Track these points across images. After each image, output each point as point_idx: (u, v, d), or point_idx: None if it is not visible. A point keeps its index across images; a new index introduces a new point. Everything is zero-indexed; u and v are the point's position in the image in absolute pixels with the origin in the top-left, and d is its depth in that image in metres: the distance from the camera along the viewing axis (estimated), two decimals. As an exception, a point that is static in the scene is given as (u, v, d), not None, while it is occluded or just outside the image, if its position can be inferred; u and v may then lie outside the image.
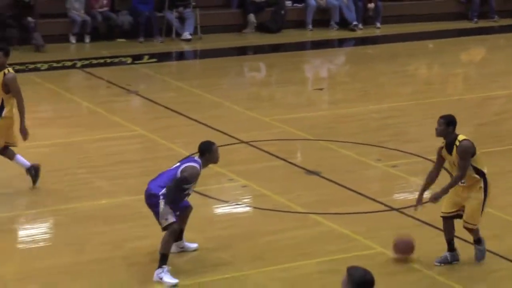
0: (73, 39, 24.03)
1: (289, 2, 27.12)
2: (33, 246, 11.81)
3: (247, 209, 13.89)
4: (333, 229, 12.64)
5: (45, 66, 21.96)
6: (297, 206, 13.44)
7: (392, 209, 12.92)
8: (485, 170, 10.12)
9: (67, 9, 24.28)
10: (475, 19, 27.17)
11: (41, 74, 21.23)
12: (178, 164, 11.21)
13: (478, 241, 10.48)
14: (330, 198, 14.11)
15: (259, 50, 25.62)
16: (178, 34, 24.91)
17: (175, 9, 24.74)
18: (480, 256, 10.57)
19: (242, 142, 16.54)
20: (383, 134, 16.97)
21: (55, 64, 22.28)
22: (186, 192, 11.09)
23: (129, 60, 22.99)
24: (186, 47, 25.39)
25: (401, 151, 13.62)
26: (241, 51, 25.00)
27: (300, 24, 26.97)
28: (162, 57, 24.12)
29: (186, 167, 10.91)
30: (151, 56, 23.72)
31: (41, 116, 18.38)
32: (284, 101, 20.64)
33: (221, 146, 15.42)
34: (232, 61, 24.55)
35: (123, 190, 13.37)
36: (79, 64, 22.37)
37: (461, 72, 24.10)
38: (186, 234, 11.54)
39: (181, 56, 25.43)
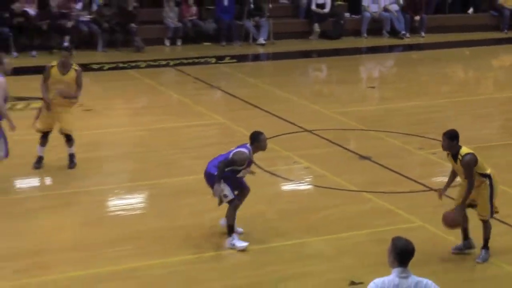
0: (167, 42, 23.96)
1: (347, 13, 26.21)
2: (130, 213, 11.56)
3: (309, 187, 13.79)
4: (380, 206, 12.42)
5: (144, 64, 21.93)
6: (351, 185, 13.29)
7: (431, 189, 12.52)
8: (488, 172, 9.61)
9: (163, 17, 24.20)
10: (506, 30, 26.79)
11: (140, 71, 21.26)
12: (234, 148, 10.97)
13: (485, 244, 9.72)
14: (379, 180, 13.94)
15: (321, 54, 25.10)
16: (254, 39, 24.66)
17: (252, 18, 24.33)
18: (481, 259, 9.59)
19: (306, 130, 16.30)
20: (424, 126, 16.63)
21: (152, 63, 22.25)
22: (240, 174, 10.79)
23: (213, 60, 22.88)
24: (260, 50, 25.27)
25: (440, 140, 12.39)
26: (307, 54, 24.46)
27: (356, 33, 26.60)
28: (241, 58, 23.96)
29: (237, 151, 10.70)
30: (232, 57, 23.49)
31: (139, 106, 18.45)
32: (341, 97, 20.44)
33: (288, 133, 15.91)
34: (299, 63, 24.32)
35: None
36: (171, 63, 22.31)
37: (492, 75, 24.00)
38: (256, 207, 11.37)
39: (256, 58, 25.16)
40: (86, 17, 22.70)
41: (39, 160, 13.30)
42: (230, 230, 10.80)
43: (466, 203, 9.94)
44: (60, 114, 12.81)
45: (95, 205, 12.09)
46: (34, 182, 13.16)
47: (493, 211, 10.15)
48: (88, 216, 11.67)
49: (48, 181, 13.21)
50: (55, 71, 12.82)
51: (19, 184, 13.11)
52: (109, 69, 21.24)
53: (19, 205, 11.81)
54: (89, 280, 9.70)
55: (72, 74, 12.78)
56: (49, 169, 13.30)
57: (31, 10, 21.56)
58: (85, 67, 20.11)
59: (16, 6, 21.28)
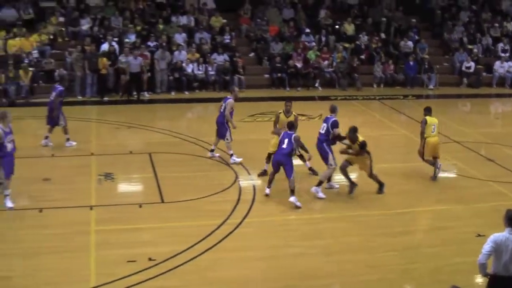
0: (375, 85, 28.63)
1: (484, 73, 30.10)
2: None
3: (455, 176, 16.82)
4: (499, 190, 15.56)
5: (361, 98, 26.26)
6: (481, 175, 16.32)
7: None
8: None
9: (373, 70, 29.14)
10: None
11: (358, 102, 25.68)
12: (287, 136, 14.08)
13: None
14: (501, 173, 16.74)
15: (468, 96, 28.28)
16: (427, 86, 29.04)
17: (426, 73, 29.22)
18: None
19: (455, 141, 19.15)
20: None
21: (365, 97, 26.50)
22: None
23: (401, 97, 26.76)
24: (430, 92, 28.61)
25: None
26: (459, 96, 28.09)
27: (489, 84, 30.09)
28: (418, 97, 27.39)
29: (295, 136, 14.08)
30: (413, 96, 27.24)
31: (358, 122, 20.13)
32: (478, 120, 23.29)
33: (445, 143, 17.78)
34: (454, 102, 27.37)
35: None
36: (377, 98, 26.47)
37: None
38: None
39: (427, 97, 28.10)
40: (329, 69, 28.88)
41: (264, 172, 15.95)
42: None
43: None
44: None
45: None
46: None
47: None
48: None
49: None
50: (282, 115, 15.92)
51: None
52: (340, 99, 25.95)
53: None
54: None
55: (291, 117, 15.55)
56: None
57: (298, 64, 28.63)
58: (327, 98, 25.38)
59: (290, 62, 28.35)
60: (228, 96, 17.28)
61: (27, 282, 10.65)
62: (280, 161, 14.13)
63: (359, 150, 14.26)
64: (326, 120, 14.87)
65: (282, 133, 14.48)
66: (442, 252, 12.05)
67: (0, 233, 12.54)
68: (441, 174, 16.40)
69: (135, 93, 25.42)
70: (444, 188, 15.74)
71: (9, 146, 13.37)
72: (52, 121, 17.94)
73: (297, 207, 13.91)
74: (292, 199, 13.97)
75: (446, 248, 12.27)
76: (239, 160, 16.83)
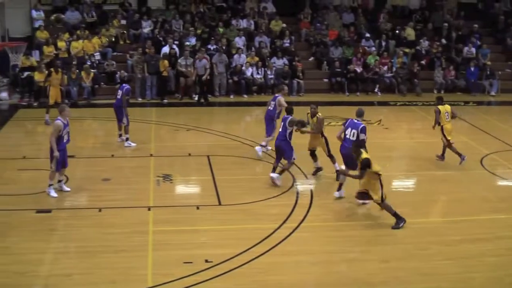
0: (435, 91, 27.97)
1: None
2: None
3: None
4: None
5: (420, 103, 26.21)
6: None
7: None
8: None
9: (434, 76, 28.74)
10: None
11: (418, 107, 25.51)
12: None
13: None
14: None
15: None
16: (488, 92, 28.49)
17: (488, 79, 28.66)
18: None
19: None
20: None
21: (425, 103, 25.99)
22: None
23: (462, 103, 26.15)
24: (491, 99, 28.11)
25: None
26: None
27: None
28: (479, 103, 27.13)
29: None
30: (474, 102, 26.98)
31: (414, 128, 22.93)
32: None
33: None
34: None
35: None
36: None
37: None
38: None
39: (489, 103, 27.64)
40: (389, 74, 28.76)
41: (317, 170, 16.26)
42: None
43: None
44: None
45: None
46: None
47: None
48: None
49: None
50: (309, 117, 16.16)
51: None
52: (399, 105, 26.15)
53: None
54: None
55: (314, 120, 15.96)
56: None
57: (358, 68, 28.49)
58: (386, 104, 25.73)
59: (350, 67, 28.37)
60: (277, 94, 18.05)
61: (86, 280, 10.88)
62: (278, 145, 15.02)
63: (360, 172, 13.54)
64: (353, 126, 14.67)
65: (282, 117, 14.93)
66: (506, 262, 11.97)
67: (60, 232, 12.83)
68: (501, 183, 16.71)
69: (195, 95, 25.93)
70: (504, 197, 15.58)
71: (64, 138, 14.36)
72: (120, 120, 18.70)
73: (274, 184, 14.70)
74: (273, 175, 14.87)
75: (510, 258, 12.09)
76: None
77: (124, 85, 18.84)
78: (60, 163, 14.43)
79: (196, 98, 25.91)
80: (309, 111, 16.01)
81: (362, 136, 14.24)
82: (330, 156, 15.94)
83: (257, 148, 17.52)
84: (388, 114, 23.35)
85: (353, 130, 14.50)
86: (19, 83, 25.55)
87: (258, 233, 12.75)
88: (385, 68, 28.78)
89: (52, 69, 21.65)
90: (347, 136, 14.51)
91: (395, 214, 13.26)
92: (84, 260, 11.55)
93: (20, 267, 11.15)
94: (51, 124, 18.38)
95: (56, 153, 14.20)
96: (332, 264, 11.72)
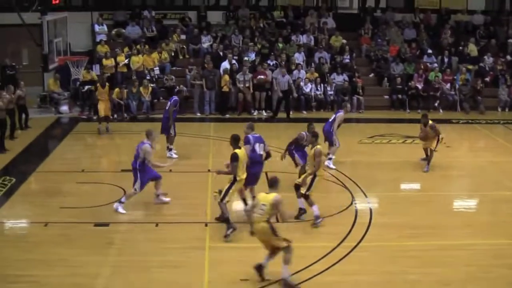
0: (499, 109, 27.77)
1: None
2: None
3: None
4: None
5: (484, 122, 25.83)
6: None
7: None
8: None
9: (498, 94, 28.19)
10: None
11: (480, 126, 25.20)
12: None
13: None
14: None
15: None
16: None
17: None
18: None
19: None
20: None
21: (489, 121, 25.88)
22: None
23: None
24: None
25: None
26: None
27: None
28: None
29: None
30: None
31: (478, 146, 22.89)
32: None
33: None
34: None
35: None
36: (501, 122, 25.81)
37: None
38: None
39: None
40: (451, 91, 28.27)
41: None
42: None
43: None
44: None
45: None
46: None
47: None
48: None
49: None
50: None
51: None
52: (462, 123, 25.90)
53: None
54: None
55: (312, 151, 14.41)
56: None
57: (419, 85, 28.29)
58: (449, 121, 25.27)
59: (411, 83, 28.11)
60: (340, 110, 18.53)
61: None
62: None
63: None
64: (259, 140, 15.03)
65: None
66: None
67: (117, 246, 13.01)
68: None
69: (254, 110, 26.26)
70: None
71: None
72: (166, 131, 18.90)
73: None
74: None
75: None
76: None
77: (172, 97, 19.37)
78: (145, 183, 14.86)
79: (265, 114, 26.85)
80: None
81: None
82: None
83: (327, 162, 17.75)
84: (450, 132, 22.85)
85: (261, 144, 14.68)
86: (80, 96, 26.08)
87: (316, 251, 12.70)
88: (448, 85, 28.41)
89: (98, 84, 22.62)
90: (258, 152, 14.63)
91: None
92: (140, 275, 11.65)
93: (76, 280, 11.34)
94: (103, 132, 20.47)
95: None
96: (391, 285, 11.63)
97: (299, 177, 14.43)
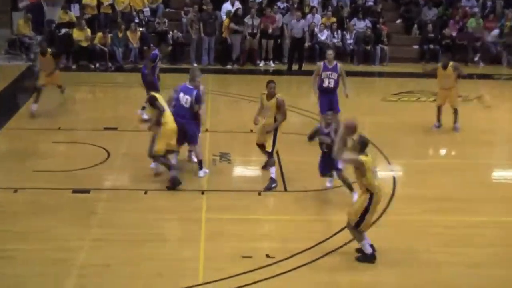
0: None
1: None
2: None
3: None
4: None
5: None
6: None
7: None
8: None
9: None
10: None
11: None
12: None
13: None
14: None
15: None
16: None
17: None
18: None
19: None
20: None
21: None
22: None
23: None
24: None
25: None
26: None
27: None
28: None
29: None
30: None
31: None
32: None
33: None
34: None
35: None
36: None
37: None
38: None
39: None
40: (494, 42, 28.53)
41: None
42: None
43: None
44: None
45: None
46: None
47: None
48: None
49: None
50: (264, 99, 15.21)
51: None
52: (505, 79, 26.31)
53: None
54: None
55: (273, 101, 14.96)
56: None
57: (455, 33, 28.56)
58: (489, 77, 25.79)
59: (446, 31, 28.55)
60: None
61: (128, 271, 11.21)
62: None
63: None
64: (186, 91, 15.36)
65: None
66: None
67: (99, 215, 13.30)
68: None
69: (259, 61, 26.45)
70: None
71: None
72: (149, 86, 18.34)
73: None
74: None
75: None
76: None
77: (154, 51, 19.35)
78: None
79: (273, 65, 27.14)
80: (265, 91, 15.14)
81: (196, 108, 14.84)
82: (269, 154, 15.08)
83: None
84: (491, 90, 23.35)
85: (186, 96, 14.95)
86: (56, 41, 26.22)
87: (329, 225, 13.01)
88: (491, 33, 28.74)
89: (39, 50, 20.59)
90: (181, 103, 14.86)
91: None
92: (127, 249, 11.84)
93: (58, 255, 11.77)
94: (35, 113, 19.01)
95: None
96: (413, 265, 12.03)
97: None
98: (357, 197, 11.99)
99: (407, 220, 13.59)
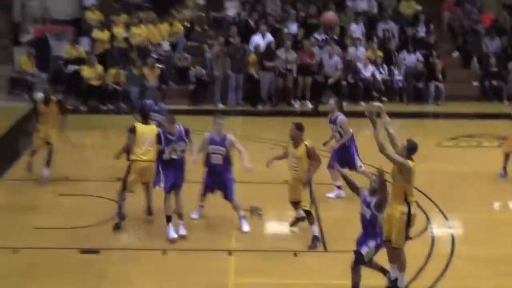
0: None
1: None
2: None
3: None
4: None
5: None
6: None
7: None
8: None
9: None
10: None
11: None
12: None
13: None
14: None
15: None
16: None
17: None
18: None
19: None
20: None
21: None
22: None
23: None
24: None
25: None
26: None
27: None
28: None
29: None
30: None
31: None
32: None
33: None
34: None
35: None
36: None
37: None
38: None
39: None
40: None
41: None
42: None
43: None
44: None
45: None
46: None
47: None
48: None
49: None
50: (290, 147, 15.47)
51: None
52: None
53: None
54: None
55: (302, 149, 15.26)
56: None
57: None
58: None
59: (511, 65, 28.63)
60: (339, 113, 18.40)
61: None
62: None
63: None
64: None
65: None
66: None
67: (109, 280, 13.32)
68: None
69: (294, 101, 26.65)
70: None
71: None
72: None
73: None
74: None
75: None
76: None
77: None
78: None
79: (310, 105, 27.51)
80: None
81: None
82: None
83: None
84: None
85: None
86: (63, 80, 26.50)
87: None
88: None
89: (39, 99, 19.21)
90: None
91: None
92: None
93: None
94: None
95: None
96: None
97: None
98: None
99: (470, 286, 13.51)
